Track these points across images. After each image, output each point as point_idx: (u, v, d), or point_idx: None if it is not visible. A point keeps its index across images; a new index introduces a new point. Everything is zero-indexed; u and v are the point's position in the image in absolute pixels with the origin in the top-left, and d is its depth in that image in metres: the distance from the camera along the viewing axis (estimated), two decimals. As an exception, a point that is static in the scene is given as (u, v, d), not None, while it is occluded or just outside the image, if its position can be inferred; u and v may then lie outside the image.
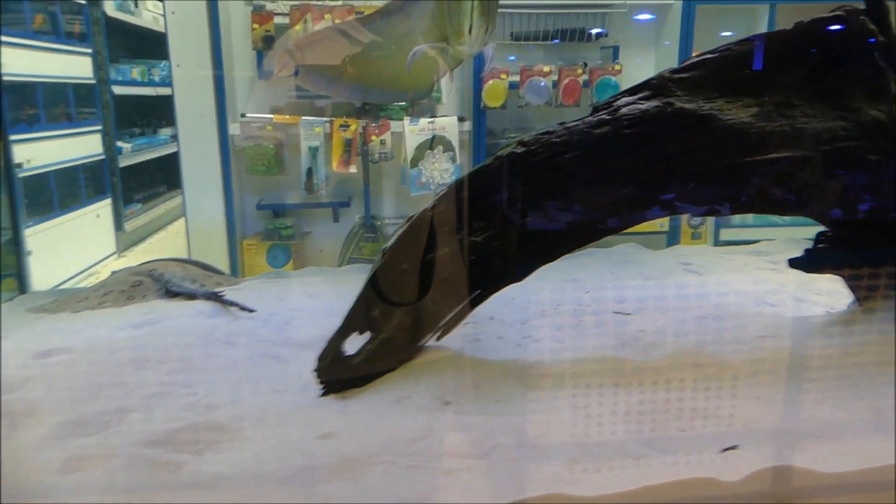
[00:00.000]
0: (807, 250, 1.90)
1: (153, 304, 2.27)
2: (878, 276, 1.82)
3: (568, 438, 1.55)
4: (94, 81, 4.51)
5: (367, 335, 1.85)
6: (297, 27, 3.75)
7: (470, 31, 2.04)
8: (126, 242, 4.82)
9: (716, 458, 1.47)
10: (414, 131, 3.81)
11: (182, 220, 3.76)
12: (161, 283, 2.30)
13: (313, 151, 3.82)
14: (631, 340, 1.91)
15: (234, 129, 3.70)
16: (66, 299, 2.37)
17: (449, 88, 3.84)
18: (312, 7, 3.67)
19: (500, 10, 3.84)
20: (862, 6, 1.77)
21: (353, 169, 3.82)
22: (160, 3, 4.00)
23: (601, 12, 3.88)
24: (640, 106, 1.76)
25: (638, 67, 4.00)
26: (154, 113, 5.68)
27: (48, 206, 3.86)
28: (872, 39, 1.77)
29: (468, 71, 3.86)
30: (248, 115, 3.76)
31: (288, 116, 3.82)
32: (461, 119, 3.84)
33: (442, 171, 3.78)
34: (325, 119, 3.79)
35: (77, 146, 4.28)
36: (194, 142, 3.73)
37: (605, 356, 1.85)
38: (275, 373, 1.88)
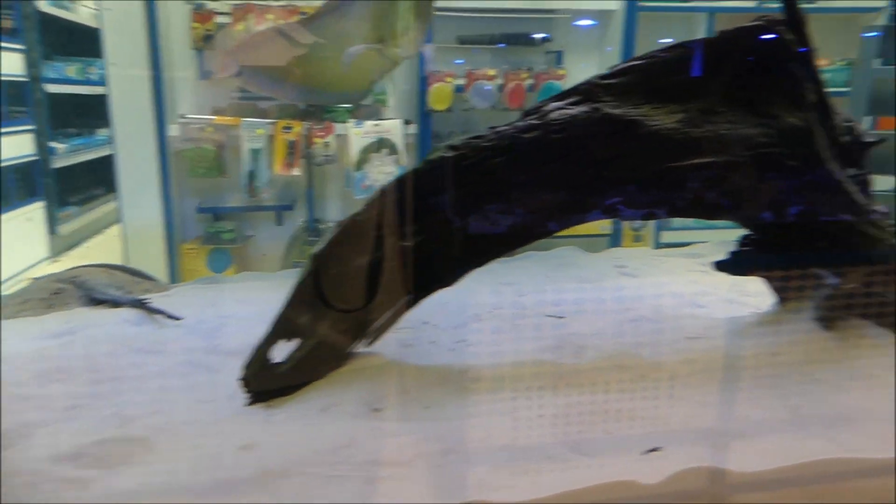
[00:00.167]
0: (731, 253, 1.95)
1: (75, 312, 2.17)
2: (798, 277, 1.88)
3: (496, 443, 1.54)
4: (25, 79, 4.33)
5: (295, 342, 1.81)
6: (239, 27, 3.68)
7: (404, 34, 2.02)
8: (61, 246, 4.63)
9: (639, 460, 1.48)
10: (359, 134, 3.77)
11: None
12: (84, 291, 2.21)
13: (255, 154, 3.75)
14: (563, 343, 1.91)
15: (173, 130, 3.60)
16: (-19, 308, 2.25)
17: (392, 90, 3.82)
18: (254, 6, 3.60)
19: (447, 13, 3.88)
20: (781, 17, 1.81)
21: (296, 171, 3.75)
22: (98, -1, 3.87)
23: (546, 17, 3.92)
24: (568, 111, 1.77)
25: (582, 72, 4.03)
26: (92, 113, 5.48)
27: (-26, 209, 3.69)
28: (803, 49, 1.82)
29: (414, 74, 3.84)
30: (187, 116, 3.67)
31: (229, 118, 3.74)
32: (407, 122, 3.81)
33: (387, 175, 3.75)
34: (267, 121, 3.71)
35: (7, 146, 4.10)
36: (131, 143, 3.62)
37: (537, 360, 1.85)
38: (199, 382, 1.82)
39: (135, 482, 1.38)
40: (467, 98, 3.82)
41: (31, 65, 4.39)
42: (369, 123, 3.80)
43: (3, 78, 4.09)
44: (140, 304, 2.17)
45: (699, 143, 1.76)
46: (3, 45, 4.11)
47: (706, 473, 1.43)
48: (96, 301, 2.18)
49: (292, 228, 3.94)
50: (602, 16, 3.95)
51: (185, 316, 2.18)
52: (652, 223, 3.90)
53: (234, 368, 1.80)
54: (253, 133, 3.76)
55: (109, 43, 3.46)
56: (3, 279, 3.78)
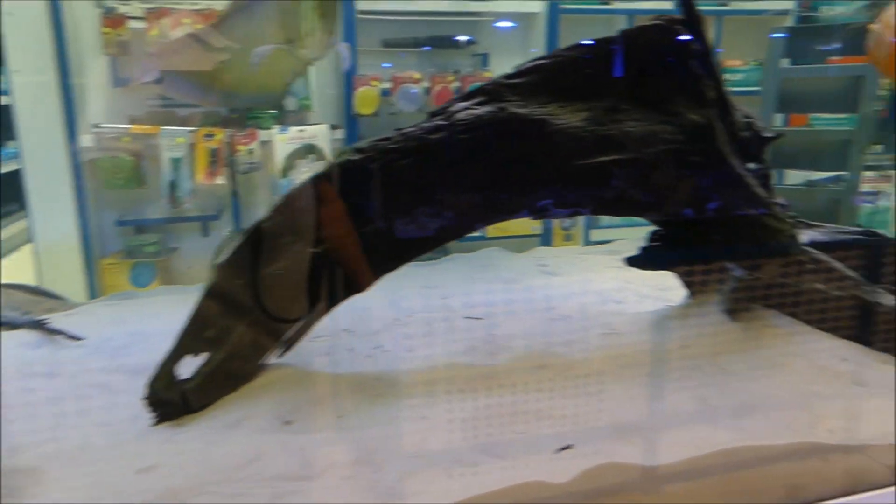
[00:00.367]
0: (642, 248, 1.97)
1: (-33, 337, 2.04)
2: (705, 270, 1.92)
3: (407, 450, 1.51)
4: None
5: (203, 357, 1.74)
6: (154, 31, 3.54)
7: (310, 35, 1.97)
8: (-30, 266, 4.35)
9: (550, 460, 1.47)
10: (284, 140, 3.68)
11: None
12: (-24, 313, 2.07)
13: (176, 163, 3.61)
14: (480, 345, 1.90)
15: (86, 140, 3.43)
16: None
17: (317, 95, 3.75)
18: (168, 10, 3.48)
19: (371, 16, 3.84)
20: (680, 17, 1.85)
21: (220, 180, 3.64)
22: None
23: (471, 20, 3.93)
24: (474, 111, 1.76)
25: (508, 74, 4.07)
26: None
27: None
28: (702, 47, 1.86)
29: (339, 78, 3.79)
30: (101, 125, 3.51)
31: (147, 126, 3.60)
32: (333, 127, 3.75)
33: (314, 181, 3.67)
34: (188, 129, 3.59)
35: None
36: (40, 155, 3.44)
37: (453, 362, 1.83)
38: (101, 404, 1.73)
39: (18, 516, 1.29)
40: (394, 102, 3.79)
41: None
42: (294, 129, 3.72)
43: None
44: (39, 325, 2.04)
45: (605, 140, 1.78)
46: None
47: (615, 469, 1.43)
48: (-10, 324, 2.05)
49: (219, 239, 3.82)
50: (525, 18, 3.98)
51: (90, 335, 2.07)
52: (581, 222, 3.95)
53: (139, 388, 1.71)
54: (173, 141, 3.63)
55: (12, 49, 3.28)
56: None
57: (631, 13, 4.00)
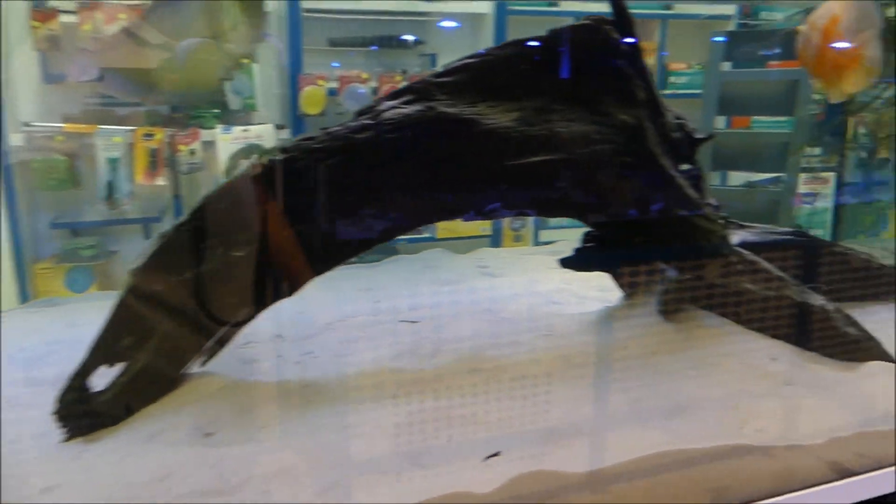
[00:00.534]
0: (576, 250, 1.95)
1: None
2: (639, 271, 1.90)
3: (330, 461, 1.44)
4: None
5: (120, 367, 1.64)
6: (86, 26, 3.39)
7: (234, 29, 1.89)
8: None
9: (477, 468, 1.43)
10: (227, 140, 3.56)
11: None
12: None
13: (113, 163, 3.46)
14: (413, 349, 1.85)
15: (16, 140, 3.26)
16: None
17: (255, 92, 3.64)
18: (102, 4, 3.33)
19: (315, 14, 3.76)
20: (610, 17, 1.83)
21: (161, 181, 3.50)
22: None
23: (419, 20, 3.87)
24: (402, 110, 1.70)
25: (456, 75, 4.02)
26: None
27: None
28: (632, 48, 1.84)
29: (286, 77, 3.70)
30: (33, 124, 3.34)
31: (82, 125, 3.44)
32: (279, 127, 3.64)
33: (258, 182, 3.56)
34: (126, 128, 3.44)
35: None
36: (-35, 156, 3.25)
37: (384, 368, 1.77)
38: (8, 420, 1.61)
39: None
40: (341, 102, 3.71)
41: None
42: (238, 129, 3.60)
43: None
44: (-55, 334, 1.91)
45: (536, 141, 1.74)
46: None
47: (541, 476, 1.39)
48: None
49: (160, 242, 3.67)
50: (473, 18, 3.94)
51: (3, 345, 1.94)
52: (531, 222, 3.93)
53: (52, 402, 1.61)
54: (109, 141, 3.48)
55: (-67, 45, 3.09)
56: None
57: (579, 14, 3.99)
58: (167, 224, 3.65)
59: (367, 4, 3.74)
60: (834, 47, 1.90)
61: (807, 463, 1.50)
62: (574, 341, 1.89)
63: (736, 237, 1.96)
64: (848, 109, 2.84)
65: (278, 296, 1.73)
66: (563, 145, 1.75)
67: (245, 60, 3.68)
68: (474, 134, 1.72)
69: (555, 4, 4.04)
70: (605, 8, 4.16)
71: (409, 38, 3.85)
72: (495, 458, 1.46)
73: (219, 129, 3.53)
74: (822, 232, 3.75)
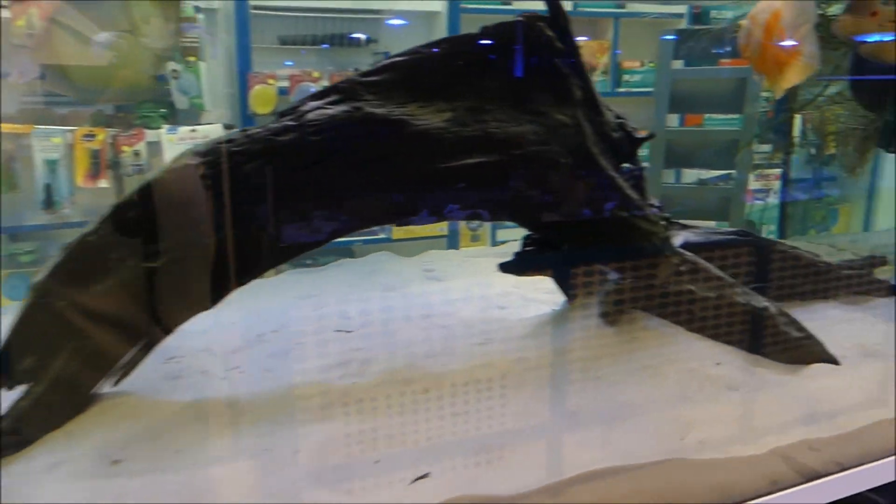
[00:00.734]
0: (515, 254, 1.84)
1: None
2: (581, 274, 1.80)
3: (245, 490, 1.31)
4: None
5: (20, 389, 1.49)
6: (19, 22, 3.18)
7: (146, 22, 1.73)
8: None
9: (404, 491, 1.31)
10: (173, 140, 3.38)
11: None
12: None
13: (51, 165, 3.26)
14: (346, 361, 1.72)
15: (-55, 141, 3.04)
16: None
17: (203, 91, 3.47)
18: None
19: (265, 12, 3.59)
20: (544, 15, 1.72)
21: (103, 183, 3.31)
22: None
23: (371, 18, 3.73)
24: (327, 111, 1.57)
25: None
26: None
27: None
28: (568, 46, 1.74)
29: (234, 76, 3.53)
30: (-36, 125, 3.12)
31: (18, 125, 3.23)
32: (227, 126, 3.47)
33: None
34: (65, 128, 3.24)
35: None
36: None
37: (313, 383, 1.65)
38: None
39: None
40: (292, 101, 3.55)
41: None
42: (185, 129, 3.42)
43: None
44: None
45: (469, 142, 1.63)
46: None
47: (471, 500, 1.28)
48: None
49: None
50: (427, 17, 3.82)
51: None
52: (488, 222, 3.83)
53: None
54: (47, 142, 3.27)
55: None
56: None
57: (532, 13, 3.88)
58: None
59: (317, 2, 3.59)
60: (776, 43, 1.82)
61: (749, 475, 1.41)
62: (512, 349, 1.78)
63: (678, 238, 1.87)
64: (791, 107, 2.79)
65: (196, 308, 1.59)
66: (498, 146, 1.64)
67: (192, 58, 3.52)
68: (404, 135, 1.60)
69: (508, 3, 3.93)
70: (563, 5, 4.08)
71: (361, 36, 3.71)
72: (424, 479, 1.34)
73: (165, 129, 3.36)
74: (774, 228, 3.72)
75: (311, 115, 1.57)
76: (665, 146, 3.41)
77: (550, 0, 1.68)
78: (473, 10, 3.77)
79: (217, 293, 1.59)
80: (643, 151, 3.83)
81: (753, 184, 3.74)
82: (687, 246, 1.86)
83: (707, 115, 3.86)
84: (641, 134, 1.85)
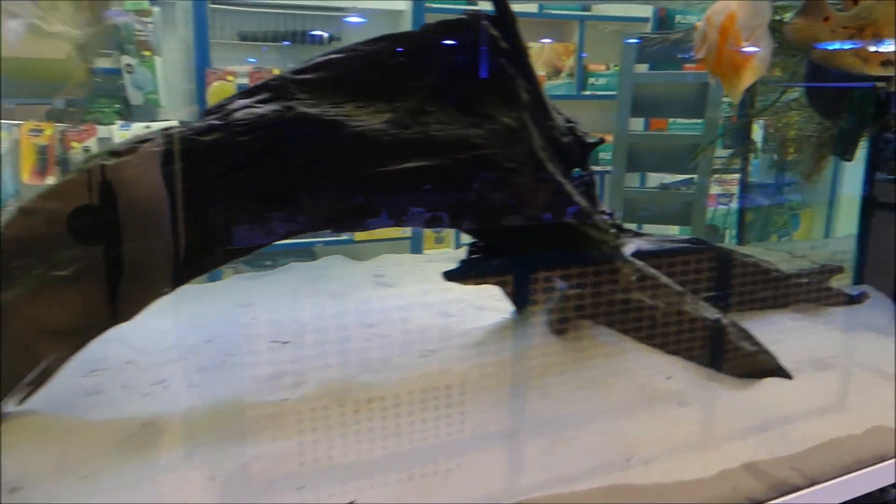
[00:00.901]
0: (461, 261, 1.73)
1: None
2: (529, 283, 1.69)
3: (153, 521, 1.19)
4: None
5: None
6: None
7: (52, 9, 1.58)
8: None
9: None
10: (125, 137, 3.21)
11: None
12: None
13: (-6, 161, 3.07)
14: (278, 375, 1.59)
15: None
16: None
17: (158, 86, 3.31)
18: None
19: (224, 7, 3.44)
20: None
21: (50, 180, 3.13)
22: None
23: (332, 15, 3.59)
24: (256, 110, 1.44)
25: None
26: None
27: None
28: (515, 46, 1.63)
29: (191, 72, 3.37)
30: None
31: (-41, 121, 3.03)
32: (183, 123, 3.30)
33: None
34: (10, 122, 3.06)
35: None
36: None
37: (241, 398, 1.52)
38: None
39: None
40: (250, 99, 3.39)
41: None
42: (139, 125, 3.25)
43: None
44: None
45: (410, 145, 1.51)
46: None
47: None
48: None
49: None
50: (391, 15, 3.69)
51: None
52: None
53: None
54: (-11, 137, 3.08)
55: None
56: None
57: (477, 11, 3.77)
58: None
59: (280, -1, 3.45)
60: (731, 45, 1.73)
61: (697, 500, 1.32)
62: (454, 362, 1.67)
63: (630, 246, 1.77)
64: (748, 112, 2.72)
65: (113, 320, 1.45)
66: (440, 150, 1.52)
67: (146, 52, 3.37)
68: (340, 137, 1.47)
69: (474, 2, 3.81)
70: (525, 7, 3.99)
71: (324, 34, 3.56)
72: (349, 507, 1.23)
73: (118, 125, 3.20)
74: (735, 233, 3.66)
75: (238, 115, 1.44)
76: (627, 150, 3.33)
77: (497, -3, 1.57)
78: (438, 9, 3.65)
79: (135, 303, 1.45)
80: (606, 156, 3.79)
81: (716, 188, 3.69)
82: (639, 254, 1.76)
83: (672, 120, 3.80)
84: (592, 139, 1.74)
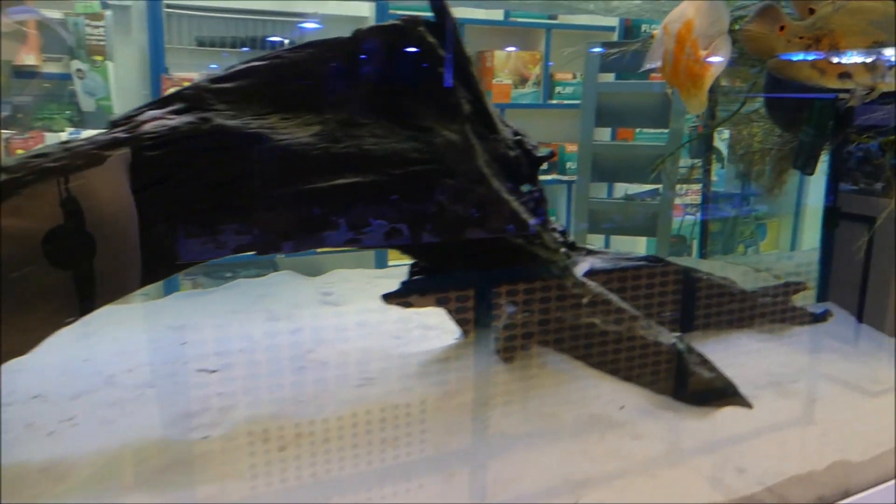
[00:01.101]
0: (402, 283, 1.58)
1: None
2: (474, 306, 1.55)
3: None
4: None
5: None
6: None
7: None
8: None
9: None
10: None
11: None
12: None
13: (-68, 170, 2.86)
14: (200, 410, 1.43)
15: None
16: None
17: (111, 92, 3.13)
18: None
19: (180, 11, 3.27)
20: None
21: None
22: None
23: (291, 21, 3.43)
24: (167, 122, 1.29)
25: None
26: None
27: None
28: (457, 55, 1.49)
29: (146, 78, 3.19)
30: None
31: None
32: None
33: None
34: (-51, 131, 2.86)
35: None
36: None
37: (155, 437, 1.36)
38: None
39: None
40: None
41: None
42: (90, 132, 3.05)
43: None
44: None
45: (341, 160, 1.36)
46: None
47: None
48: None
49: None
50: (355, 21, 3.53)
51: None
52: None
53: None
54: (-73, 145, 2.88)
55: None
56: None
57: (462, 21, 3.64)
58: None
59: (236, 3, 3.28)
60: (689, 54, 1.61)
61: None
62: (393, 392, 1.52)
63: (583, 265, 1.64)
64: (708, 123, 2.61)
65: (8, 354, 1.28)
66: (375, 165, 1.38)
67: (98, 57, 3.19)
68: (263, 151, 1.32)
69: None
70: (493, 15, 3.85)
71: (285, 40, 3.40)
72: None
73: (69, 132, 3.02)
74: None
75: (147, 127, 1.28)
76: (592, 160, 3.21)
77: (435, 2, 1.43)
78: (402, 15, 3.51)
79: (32, 336, 1.28)
80: (574, 164, 3.67)
81: (684, 199, 3.58)
82: (592, 274, 1.63)
83: (639, 130, 3.69)
84: (542, 152, 1.61)
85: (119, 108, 3.24)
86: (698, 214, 3.52)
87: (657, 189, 3.37)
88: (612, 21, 3.88)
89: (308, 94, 1.38)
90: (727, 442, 1.45)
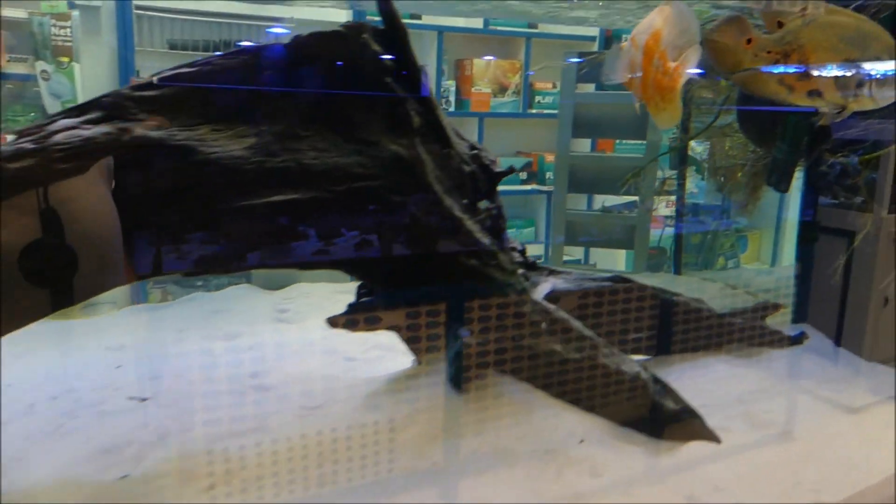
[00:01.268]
0: (350, 305, 1.46)
1: None
2: (425, 330, 1.43)
3: None
4: None
5: None
6: None
7: None
8: None
9: None
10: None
11: None
12: None
13: None
14: (124, 444, 1.30)
15: None
16: None
17: (78, 95, 2.99)
18: None
19: (150, 13, 3.14)
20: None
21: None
22: None
23: (256, 25, 3.31)
24: (83, 132, 1.15)
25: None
26: None
27: None
28: (406, 64, 1.36)
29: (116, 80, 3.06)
30: None
31: None
32: None
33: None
34: None
35: None
36: None
37: (69, 478, 1.22)
38: None
39: None
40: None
41: None
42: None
43: None
44: None
45: (277, 175, 1.23)
46: None
47: None
48: None
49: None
50: (331, 26, 3.41)
51: None
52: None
53: None
54: None
55: None
56: None
57: (441, 29, 3.53)
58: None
59: (208, 5, 3.15)
60: (658, 66, 1.49)
61: None
62: (339, 423, 1.39)
63: (544, 286, 1.52)
64: (680, 137, 2.50)
65: None
66: (315, 180, 1.25)
67: (64, 59, 3.06)
68: (190, 165, 1.19)
69: (418, 17, 3.56)
70: (471, 23, 3.73)
71: (255, 43, 3.27)
72: None
73: (32, 136, 2.87)
74: (684, 255, 3.45)
75: (59, 137, 1.14)
76: (569, 172, 3.10)
77: (383, 8, 1.30)
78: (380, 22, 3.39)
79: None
80: (552, 175, 3.55)
81: (665, 210, 3.48)
82: (553, 296, 1.51)
83: (619, 141, 3.58)
84: (500, 167, 1.49)
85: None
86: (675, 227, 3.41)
87: (635, 201, 3.26)
88: (593, 31, 3.78)
89: (242, 103, 1.25)
90: (692, 479, 1.33)
